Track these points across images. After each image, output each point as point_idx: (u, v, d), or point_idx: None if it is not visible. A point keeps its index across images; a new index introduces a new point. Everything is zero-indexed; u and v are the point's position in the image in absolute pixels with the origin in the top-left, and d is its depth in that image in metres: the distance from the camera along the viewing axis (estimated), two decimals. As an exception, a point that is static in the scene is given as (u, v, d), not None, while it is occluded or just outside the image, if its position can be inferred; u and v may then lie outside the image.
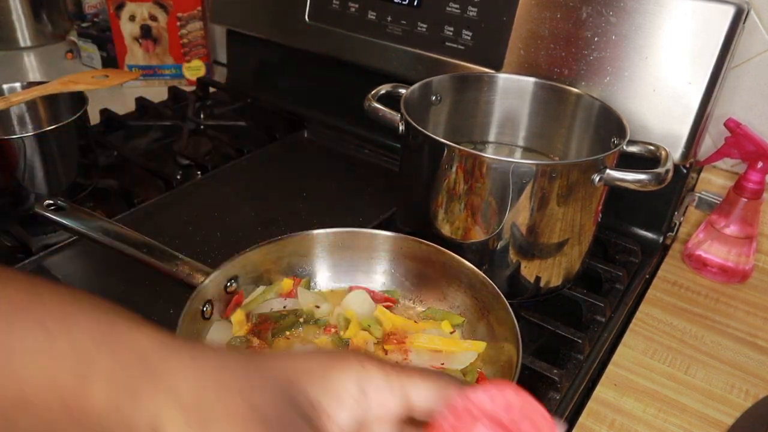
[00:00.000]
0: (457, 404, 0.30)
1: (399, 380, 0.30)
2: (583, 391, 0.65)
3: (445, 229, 0.71)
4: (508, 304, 0.59)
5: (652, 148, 0.70)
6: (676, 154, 0.77)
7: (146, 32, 1.26)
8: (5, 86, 0.96)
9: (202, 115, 1.17)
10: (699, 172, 0.91)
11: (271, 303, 0.65)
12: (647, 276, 0.82)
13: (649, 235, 0.87)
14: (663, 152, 0.68)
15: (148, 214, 0.85)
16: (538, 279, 0.71)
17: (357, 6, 0.98)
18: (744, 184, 0.79)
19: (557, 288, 0.74)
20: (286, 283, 0.67)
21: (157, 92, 1.24)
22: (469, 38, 0.89)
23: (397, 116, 0.72)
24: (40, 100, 0.96)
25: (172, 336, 0.31)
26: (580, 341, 0.67)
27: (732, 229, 0.81)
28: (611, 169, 0.64)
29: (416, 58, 0.94)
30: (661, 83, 0.76)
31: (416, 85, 0.76)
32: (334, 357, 0.31)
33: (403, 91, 0.76)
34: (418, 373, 0.31)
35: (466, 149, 0.65)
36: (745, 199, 0.79)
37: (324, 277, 0.69)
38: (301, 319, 0.64)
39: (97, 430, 0.28)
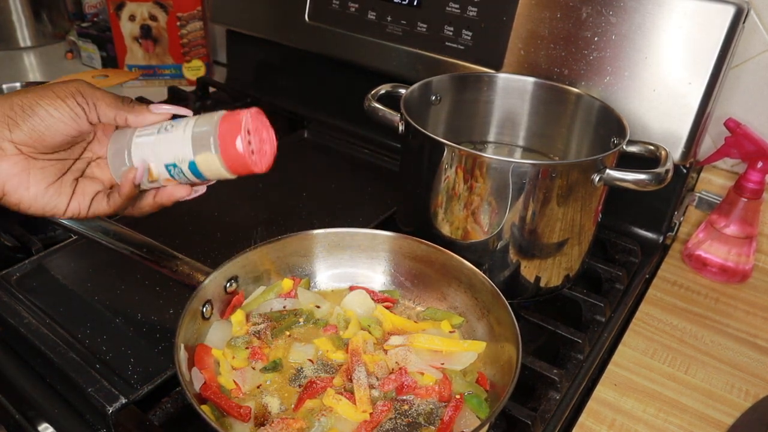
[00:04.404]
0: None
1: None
2: (583, 391, 0.65)
3: (445, 229, 0.71)
4: (508, 304, 0.59)
5: (652, 148, 0.70)
6: (676, 154, 0.77)
7: (146, 32, 1.26)
8: (5, 86, 0.96)
9: (202, 115, 1.16)
10: (699, 172, 0.91)
11: (271, 303, 0.65)
12: (647, 276, 0.82)
13: (649, 234, 0.87)
14: (663, 152, 0.68)
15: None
16: (538, 279, 0.71)
17: (357, 6, 0.98)
18: (744, 184, 0.79)
19: (557, 288, 0.74)
20: (286, 283, 0.67)
21: (157, 92, 1.24)
22: (469, 38, 0.89)
23: (397, 116, 0.72)
24: (40, 100, 0.96)
25: None
26: (580, 341, 0.67)
27: (732, 229, 0.81)
28: (611, 169, 0.64)
29: (416, 58, 0.94)
30: (661, 83, 0.76)
31: (416, 85, 0.76)
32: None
33: (403, 91, 0.76)
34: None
35: (466, 149, 0.65)
36: (745, 199, 0.79)
37: (324, 277, 0.69)
38: (301, 319, 0.64)
39: None
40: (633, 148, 0.71)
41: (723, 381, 0.67)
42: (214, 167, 0.52)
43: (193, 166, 0.52)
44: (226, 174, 0.53)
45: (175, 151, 0.52)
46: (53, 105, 0.49)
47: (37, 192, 0.52)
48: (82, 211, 0.55)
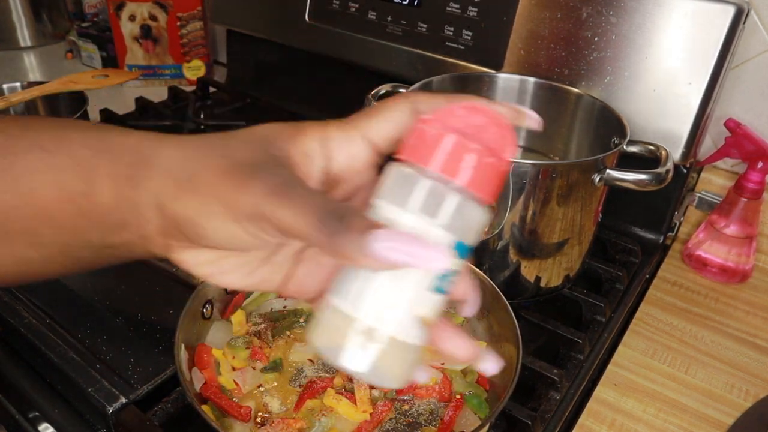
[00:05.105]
0: (423, 126, 0.30)
1: (356, 130, 0.32)
2: (583, 391, 0.65)
3: (445, 229, 0.71)
4: (508, 304, 0.59)
5: (652, 148, 0.70)
6: (676, 154, 0.77)
7: (146, 32, 1.26)
8: (5, 86, 0.96)
9: (202, 115, 1.17)
10: (699, 172, 0.91)
11: (271, 303, 0.65)
12: (647, 276, 0.82)
13: (649, 235, 0.87)
14: (663, 152, 0.68)
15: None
16: (538, 279, 0.71)
17: (357, 6, 0.98)
18: (744, 184, 0.79)
19: (557, 288, 0.74)
20: (286, 283, 0.67)
21: (157, 92, 1.24)
22: (469, 38, 0.89)
23: (397, 116, 0.72)
24: (40, 100, 0.96)
25: (160, 133, 0.33)
26: (580, 341, 0.67)
27: (732, 229, 0.81)
28: (611, 169, 0.64)
29: (416, 58, 0.94)
30: (661, 83, 0.76)
31: (416, 85, 0.76)
32: (298, 124, 0.33)
33: (403, 91, 0.76)
34: (376, 112, 0.33)
35: (466, 149, 0.65)
36: (745, 199, 0.79)
37: (324, 277, 0.69)
38: (302, 319, 0.64)
39: (113, 222, 0.32)
40: (633, 148, 0.71)
41: (723, 381, 0.67)
42: (467, 211, 0.29)
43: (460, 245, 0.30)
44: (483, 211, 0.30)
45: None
46: (223, 228, 0.30)
47: (237, 279, 0.34)
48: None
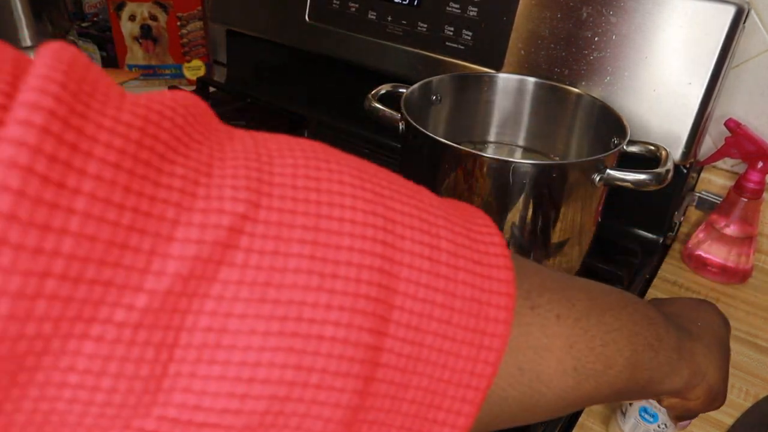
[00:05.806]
0: None
1: None
2: (583, 391, 0.65)
3: (445, 229, 0.70)
4: (508, 304, 0.58)
5: (652, 148, 0.70)
6: (677, 154, 0.77)
7: (146, 32, 1.26)
8: (5, 86, 0.96)
9: (202, 115, 1.16)
10: (699, 172, 0.91)
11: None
12: (647, 276, 0.82)
13: (649, 235, 0.87)
14: (663, 152, 0.68)
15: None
16: (538, 279, 0.71)
17: (357, 6, 0.98)
18: (744, 184, 0.79)
19: (557, 288, 0.73)
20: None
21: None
22: (469, 38, 0.89)
23: (397, 116, 0.72)
24: (40, 100, 0.96)
25: (684, 334, 0.40)
26: (580, 341, 0.67)
27: (732, 229, 0.81)
28: (611, 169, 0.64)
29: (416, 58, 0.94)
30: (661, 83, 0.76)
31: (416, 85, 0.76)
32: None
33: (403, 91, 0.76)
34: None
35: (466, 149, 0.65)
36: (745, 199, 0.79)
37: (324, 277, 0.69)
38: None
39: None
40: (633, 148, 0.71)
41: (723, 381, 0.67)
42: None
43: None
44: None
45: None
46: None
47: None
48: None
